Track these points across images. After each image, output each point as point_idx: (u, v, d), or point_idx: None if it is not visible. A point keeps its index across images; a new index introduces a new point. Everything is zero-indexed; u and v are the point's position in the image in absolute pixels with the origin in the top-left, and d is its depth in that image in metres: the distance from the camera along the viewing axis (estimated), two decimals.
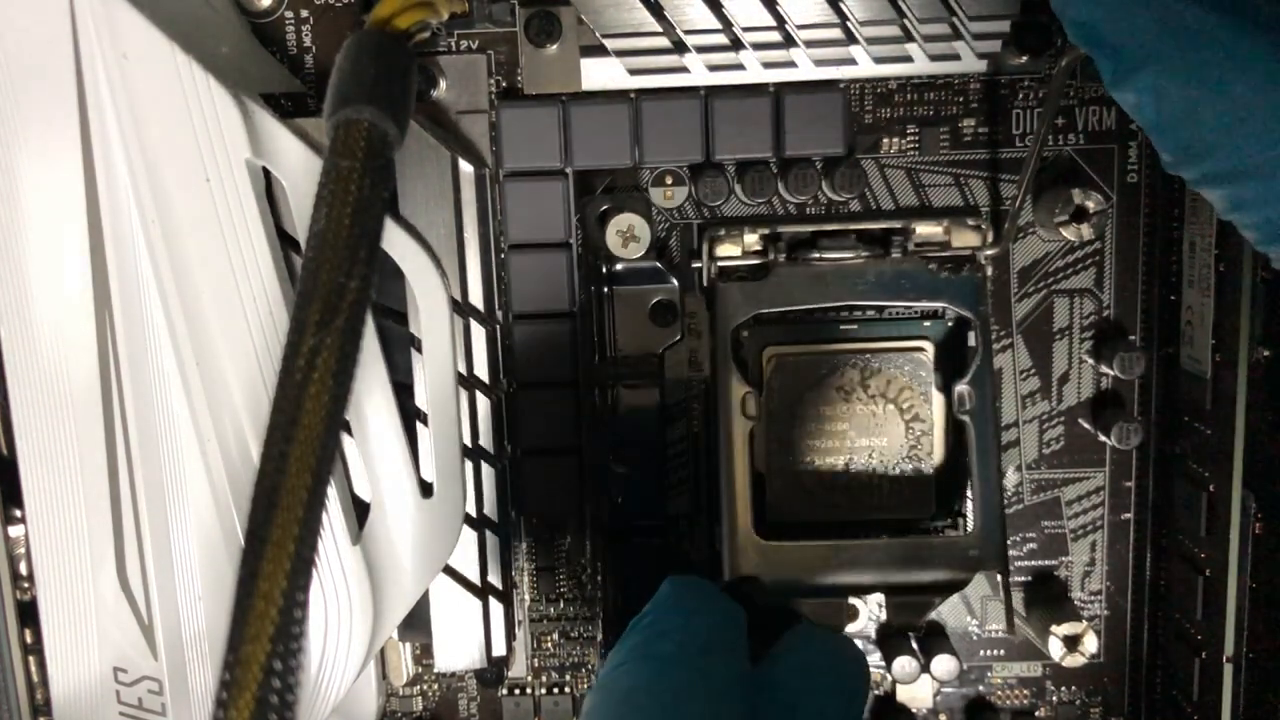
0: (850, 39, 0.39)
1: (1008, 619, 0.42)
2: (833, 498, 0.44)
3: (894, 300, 0.41)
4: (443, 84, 0.40)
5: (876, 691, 0.47)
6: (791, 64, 0.40)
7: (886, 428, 0.44)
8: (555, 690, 0.47)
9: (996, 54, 0.39)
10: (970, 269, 0.42)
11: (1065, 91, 0.42)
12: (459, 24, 0.41)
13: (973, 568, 0.41)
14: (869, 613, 0.46)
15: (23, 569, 0.38)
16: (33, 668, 0.39)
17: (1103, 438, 0.44)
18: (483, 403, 0.40)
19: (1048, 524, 0.45)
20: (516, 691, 0.47)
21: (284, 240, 0.36)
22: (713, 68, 0.39)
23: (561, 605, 0.47)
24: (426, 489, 0.38)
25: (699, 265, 0.43)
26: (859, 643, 0.45)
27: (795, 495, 0.44)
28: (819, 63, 0.39)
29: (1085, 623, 0.44)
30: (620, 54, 0.39)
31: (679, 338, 0.44)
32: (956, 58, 0.39)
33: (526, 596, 0.46)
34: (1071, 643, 0.44)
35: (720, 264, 0.43)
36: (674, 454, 0.45)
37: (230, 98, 0.34)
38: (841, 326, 0.44)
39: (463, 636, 0.41)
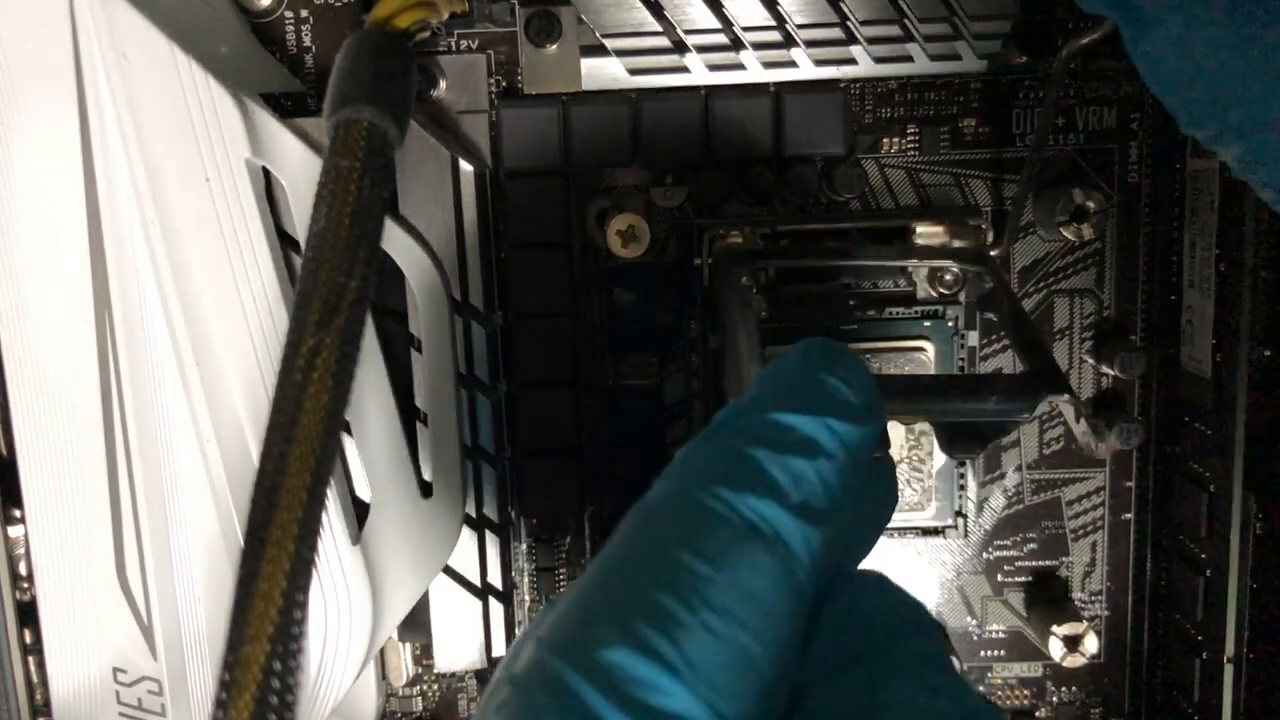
0: (850, 39, 0.39)
1: (1090, 436, 0.37)
2: None
3: (900, 260, 0.41)
4: (443, 84, 0.40)
5: None
6: (792, 64, 0.39)
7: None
8: None
9: (997, 54, 0.39)
10: (975, 240, 0.42)
11: (1065, 91, 0.42)
12: (459, 24, 0.40)
13: (1035, 392, 0.35)
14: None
15: (22, 569, 0.38)
16: (32, 668, 0.38)
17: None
18: (483, 403, 0.40)
19: (1048, 524, 0.45)
20: None
21: (284, 240, 0.36)
22: (713, 67, 0.39)
23: None
24: (426, 489, 0.38)
25: (699, 264, 0.43)
26: None
27: None
28: (819, 62, 0.39)
29: (1086, 623, 0.44)
30: (620, 54, 0.39)
31: (679, 337, 0.44)
32: (957, 58, 0.39)
33: (526, 597, 0.46)
34: (1072, 643, 0.44)
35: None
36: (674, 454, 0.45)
37: (230, 97, 0.34)
38: (841, 327, 0.44)
39: (463, 637, 0.41)
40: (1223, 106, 0.27)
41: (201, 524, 0.36)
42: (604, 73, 0.40)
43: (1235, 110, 0.27)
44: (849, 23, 0.39)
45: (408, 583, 0.38)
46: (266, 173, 0.35)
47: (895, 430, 0.44)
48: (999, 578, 0.46)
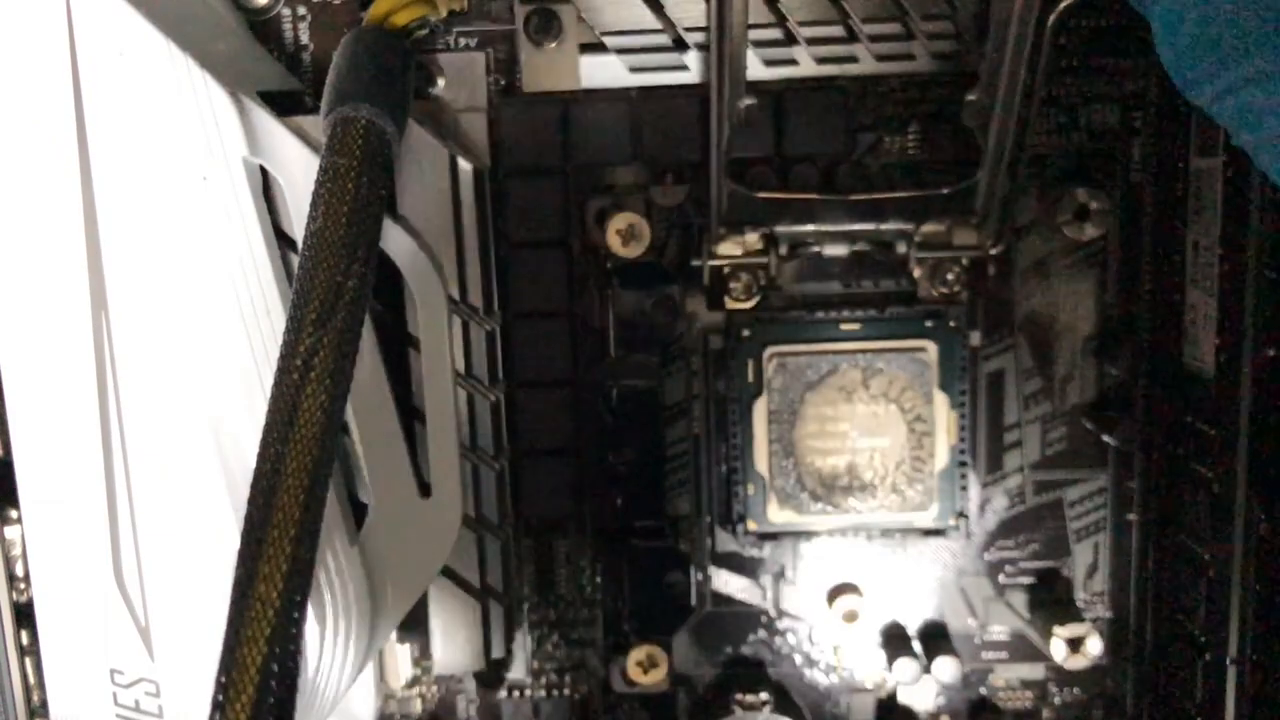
0: (852, 37, 0.39)
1: None
2: (834, 498, 0.44)
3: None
4: (441, 82, 0.40)
5: (879, 694, 0.47)
6: (793, 62, 0.39)
7: (888, 428, 0.43)
8: (554, 691, 0.47)
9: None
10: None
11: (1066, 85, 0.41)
12: (458, 21, 0.40)
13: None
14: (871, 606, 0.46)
15: (19, 570, 0.37)
16: (29, 669, 0.38)
17: (1106, 438, 0.44)
18: (481, 403, 0.40)
19: (1050, 525, 0.45)
20: (515, 693, 0.47)
21: (281, 239, 0.36)
22: None
23: (561, 606, 0.46)
24: (425, 489, 0.38)
25: (699, 264, 0.43)
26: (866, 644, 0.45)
27: (796, 495, 0.44)
28: (820, 61, 0.39)
29: (1088, 624, 0.44)
30: (620, 51, 0.39)
31: (679, 337, 0.44)
32: (959, 56, 0.39)
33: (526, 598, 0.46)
34: (1075, 644, 0.44)
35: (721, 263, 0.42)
36: (674, 454, 0.45)
37: (227, 95, 0.34)
38: (843, 326, 0.43)
39: (461, 638, 0.41)
40: (1235, 57, 0.26)
41: (199, 525, 0.36)
42: (604, 71, 0.40)
43: (1248, 59, 0.26)
44: (850, 21, 0.39)
45: (406, 583, 0.38)
46: (264, 171, 0.35)
47: (896, 428, 0.43)
48: (1001, 579, 0.46)
